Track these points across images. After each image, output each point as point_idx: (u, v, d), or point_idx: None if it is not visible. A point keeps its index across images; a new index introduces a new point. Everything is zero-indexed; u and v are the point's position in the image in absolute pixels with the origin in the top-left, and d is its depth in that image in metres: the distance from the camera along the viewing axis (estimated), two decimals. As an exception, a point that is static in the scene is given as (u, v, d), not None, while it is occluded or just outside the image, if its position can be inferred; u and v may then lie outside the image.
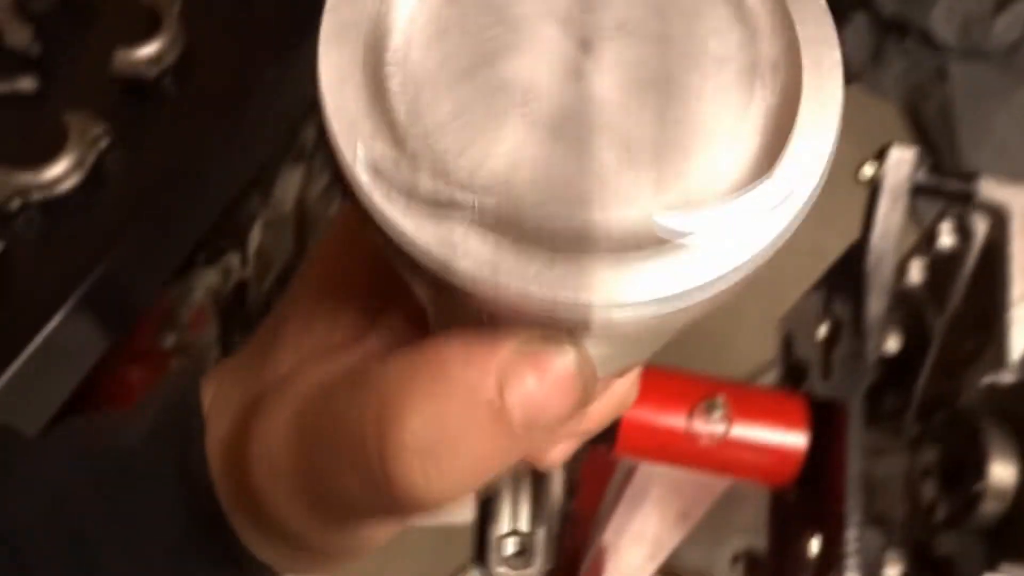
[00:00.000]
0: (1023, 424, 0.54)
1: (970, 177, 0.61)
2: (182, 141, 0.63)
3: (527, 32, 0.22)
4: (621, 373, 0.27)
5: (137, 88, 0.63)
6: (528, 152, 0.21)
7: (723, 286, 0.20)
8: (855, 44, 1.74)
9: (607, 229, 0.20)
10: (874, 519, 0.62)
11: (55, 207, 0.58)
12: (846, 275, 0.64)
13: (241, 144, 0.68)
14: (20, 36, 0.62)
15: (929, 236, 0.68)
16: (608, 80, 0.22)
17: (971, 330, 0.63)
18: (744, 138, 0.21)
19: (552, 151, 0.21)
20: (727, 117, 0.22)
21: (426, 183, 0.20)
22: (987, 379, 0.59)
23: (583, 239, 0.20)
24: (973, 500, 0.55)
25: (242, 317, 1.09)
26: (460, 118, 0.21)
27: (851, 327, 0.61)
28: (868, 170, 0.63)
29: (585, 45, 0.22)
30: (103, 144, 0.59)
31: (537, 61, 0.22)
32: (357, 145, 0.20)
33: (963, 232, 0.64)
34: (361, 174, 0.20)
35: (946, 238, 0.66)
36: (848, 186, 0.69)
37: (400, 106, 0.21)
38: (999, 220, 0.62)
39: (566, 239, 0.20)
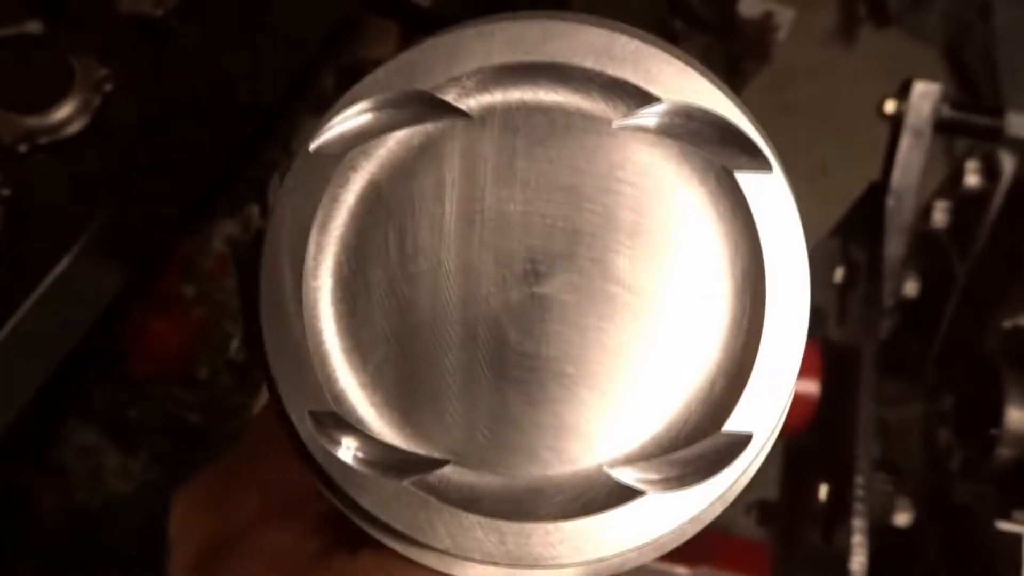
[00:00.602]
0: (1043, 369, 0.53)
1: (997, 111, 0.59)
2: (188, 80, 0.62)
3: (479, 256, 0.21)
4: None
5: (143, 28, 0.62)
6: (478, 401, 0.20)
7: (673, 538, 0.20)
8: (895, -16, 1.67)
9: (559, 487, 0.20)
10: (886, 466, 0.61)
11: (62, 149, 0.58)
12: (864, 217, 0.62)
13: (250, 82, 0.67)
14: (26, -22, 0.62)
15: (954, 177, 0.65)
16: (562, 309, 0.21)
17: (995, 273, 0.61)
18: (701, 379, 0.20)
19: (503, 399, 0.20)
20: (683, 360, 0.20)
21: (372, 444, 0.20)
22: (1009, 323, 0.58)
23: (534, 499, 0.20)
24: (988, 446, 0.54)
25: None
26: (406, 368, 0.21)
27: (868, 270, 0.59)
28: (890, 106, 0.60)
29: (538, 267, 0.21)
30: (109, 87, 0.59)
31: (491, 291, 0.21)
32: (303, 408, 0.20)
33: (990, 171, 0.62)
34: (307, 434, 0.20)
35: (972, 178, 0.63)
36: (886, 133, 0.67)
37: (345, 366, 0.21)
38: (1029, 158, 0.60)
39: (516, 500, 0.20)
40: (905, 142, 0.60)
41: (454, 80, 0.21)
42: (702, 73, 0.20)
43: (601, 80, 0.21)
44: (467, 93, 0.21)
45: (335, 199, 0.21)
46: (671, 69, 0.20)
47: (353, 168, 0.21)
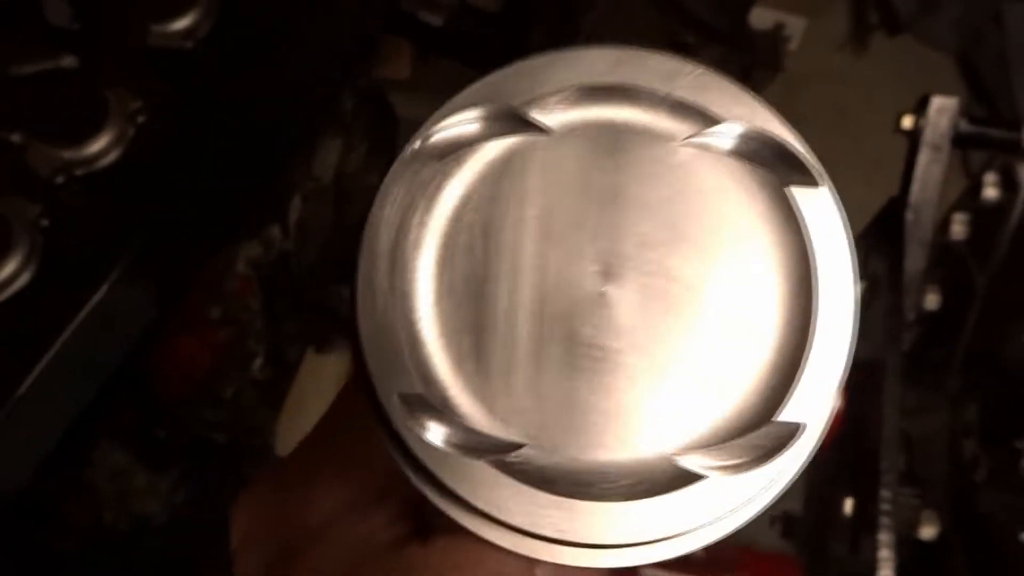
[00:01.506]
0: (1067, 380, 0.53)
1: (1015, 125, 0.59)
2: (218, 109, 0.64)
3: (556, 258, 0.23)
4: None
5: (173, 60, 0.64)
6: (550, 389, 0.22)
7: (735, 524, 0.22)
8: (906, -9, 1.68)
9: (623, 471, 0.21)
10: (911, 478, 0.61)
11: (98, 180, 0.60)
12: (884, 231, 0.63)
13: (276, 109, 0.69)
14: (61, 13, 0.64)
15: (973, 189, 0.66)
16: (629, 308, 0.22)
17: (1015, 284, 0.62)
18: (752, 377, 0.22)
19: (573, 388, 0.22)
20: (739, 356, 0.22)
21: (455, 426, 0.21)
22: (1031, 334, 0.58)
23: (600, 482, 0.21)
24: (1014, 457, 0.54)
25: (285, 287, 1.11)
26: (486, 358, 0.22)
27: (888, 284, 0.60)
28: (907, 121, 0.61)
29: (609, 269, 0.23)
30: (142, 118, 0.61)
31: (567, 289, 0.22)
32: (393, 390, 0.21)
33: (1008, 183, 0.63)
34: (396, 415, 0.21)
35: (991, 190, 0.64)
36: (898, 140, 0.67)
37: (432, 353, 0.22)
38: (1046, 170, 0.60)
39: (585, 482, 0.21)
40: (923, 157, 0.61)
41: (537, 99, 0.23)
42: (757, 99, 0.23)
43: (668, 102, 0.23)
44: (549, 111, 0.23)
45: (431, 200, 0.23)
46: (730, 94, 0.23)
47: (447, 173, 0.23)
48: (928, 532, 0.56)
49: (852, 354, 0.22)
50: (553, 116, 0.23)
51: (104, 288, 0.58)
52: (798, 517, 0.71)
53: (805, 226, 0.22)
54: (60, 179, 0.60)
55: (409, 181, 0.23)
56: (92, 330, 0.58)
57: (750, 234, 0.23)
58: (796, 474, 0.22)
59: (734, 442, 0.21)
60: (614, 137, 0.23)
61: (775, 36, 1.65)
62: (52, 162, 0.59)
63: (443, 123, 0.23)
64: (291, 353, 1.23)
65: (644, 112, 0.23)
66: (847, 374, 0.22)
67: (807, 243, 0.22)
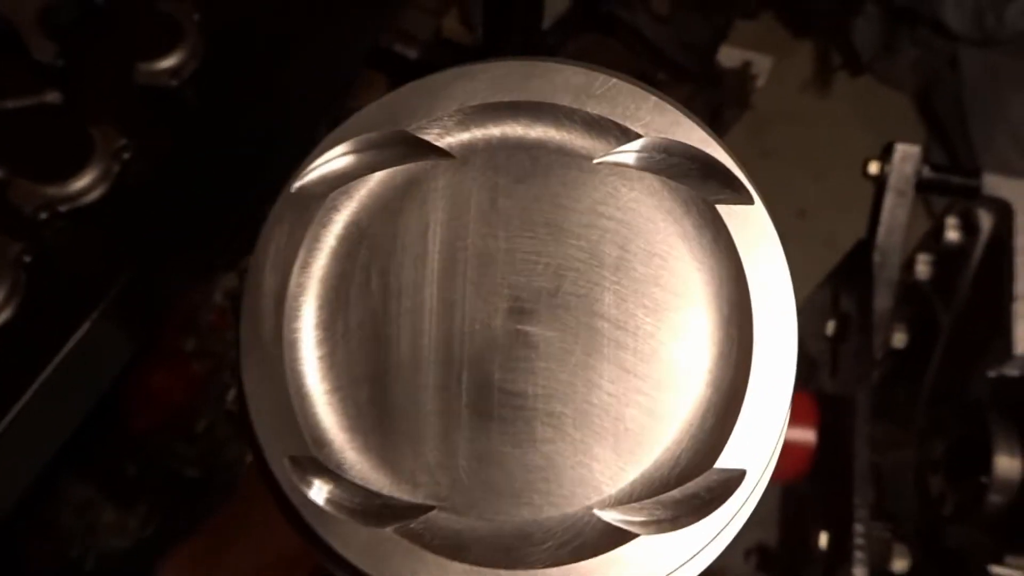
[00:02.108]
0: (1028, 417, 0.55)
1: (974, 173, 0.62)
2: (204, 150, 0.64)
3: (465, 295, 0.20)
4: None
5: (159, 98, 0.64)
6: (462, 443, 0.20)
7: None
8: (867, 34, 1.74)
9: (548, 531, 0.19)
10: (883, 513, 0.63)
11: (82, 217, 0.60)
12: (853, 271, 0.65)
13: (261, 147, 0.69)
14: (45, 50, 0.64)
15: (936, 231, 0.69)
16: (550, 347, 0.20)
17: (978, 324, 0.64)
18: (691, 415, 0.20)
19: (488, 441, 0.20)
20: (672, 396, 0.20)
21: (353, 491, 0.19)
22: (993, 372, 0.60)
23: (522, 546, 0.19)
24: (979, 493, 0.56)
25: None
26: (387, 411, 0.20)
27: (859, 323, 0.62)
28: (874, 167, 0.64)
29: (525, 305, 0.20)
30: (127, 155, 0.61)
31: (478, 330, 0.20)
32: (282, 454, 0.19)
33: (969, 227, 0.65)
34: (286, 481, 0.19)
35: (952, 233, 0.66)
36: (861, 179, 0.70)
37: (326, 410, 0.20)
38: (1004, 214, 0.63)
39: (504, 547, 0.19)
40: (889, 201, 0.63)
41: (436, 120, 0.21)
42: (680, 110, 0.21)
43: (580, 117, 0.21)
44: (449, 133, 0.21)
45: (317, 239, 0.21)
46: (649, 106, 0.21)
47: (335, 208, 0.21)
48: (900, 565, 0.57)
49: (792, 389, 0.20)
50: (455, 138, 0.21)
51: (86, 325, 0.58)
52: (773, 550, 0.72)
53: (737, 248, 0.20)
54: (43, 216, 0.59)
55: (295, 220, 0.21)
56: (73, 367, 0.57)
57: (678, 258, 0.21)
58: (740, 525, 0.20)
59: (668, 494, 0.20)
60: (523, 158, 0.21)
61: (743, 74, 1.70)
62: (35, 199, 0.59)
63: (331, 152, 0.21)
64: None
65: (556, 130, 0.21)
66: (790, 412, 0.20)
67: (740, 265, 0.20)
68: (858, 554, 0.55)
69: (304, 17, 0.73)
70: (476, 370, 0.20)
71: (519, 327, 0.20)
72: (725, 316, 0.20)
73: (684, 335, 0.20)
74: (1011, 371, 0.60)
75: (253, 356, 0.20)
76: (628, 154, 0.21)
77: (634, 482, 0.20)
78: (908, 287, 0.71)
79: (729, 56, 1.72)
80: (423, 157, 0.21)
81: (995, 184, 0.63)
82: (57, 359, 0.56)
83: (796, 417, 0.65)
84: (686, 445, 0.20)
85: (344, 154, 0.21)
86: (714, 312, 0.20)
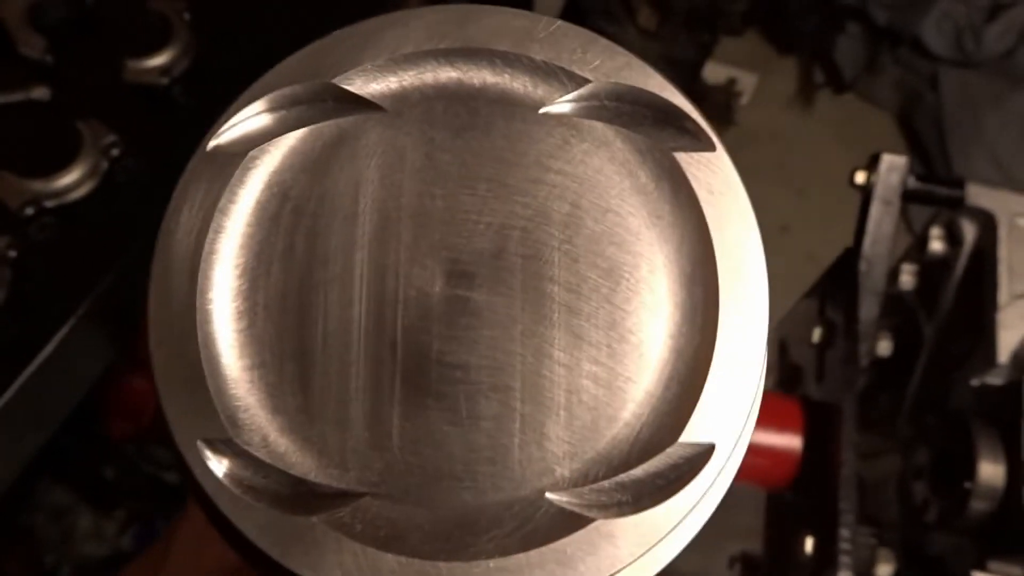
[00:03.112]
0: (1011, 425, 0.56)
1: (959, 183, 0.63)
2: (193, 149, 0.64)
3: (399, 259, 0.18)
4: None
5: (149, 97, 0.64)
6: (396, 422, 0.18)
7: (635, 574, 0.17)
8: (850, 53, 1.77)
9: (495, 518, 0.17)
10: (867, 519, 0.63)
11: (68, 214, 0.59)
12: (839, 280, 0.66)
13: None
14: (34, 46, 0.63)
15: (920, 242, 0.70)
16: (492, 314, 0.18)
17: (961, 333, 0.65)
18: (652, 385, 0.18)
19: (425, 419, 0.17)
20: (631, 364, 0.18)
21: (275, 476, 0.17)
22: (976, 381, 0.61)
23: (465, 535, 0.17)
24: (963, 499, 0.56)
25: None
26: (312, 388, 0.18)
27: (844, 331, 0.63)
28: (860, 177, 0.65)
29: (464, 270, 0.18)
30: (115, 152, 0.61)
31: (413, 297, 0.18)
32: (195, 436, 0.17)
33: (953, 237, 0.66)
34: (198, 465, 0.17)
35: (936, 244, 0.67)
36: (842, 195, 0.71)
37: (245, 387, 0.18)
38: (987, 225, 0.64)
39: (445, 536, 0.17)
40: (875, 211, 0.64)
41: (364, 71, 0.19)
42: (629, 54, 0.19)
43: (523, 63, 0.19)
44: (379, 84, 0.19)
45: (235, 201, 0.19)
46: (598, 49, 0.19)
47: (255, 168, 0.19)
48: (884, 570, 0.57)
49: (766, 355, 0.18)
50: (385, 90, 0.19)
51: (71, 322, 0.57)
52: (757, 557, 0.73)
53: (699, 199, 0.18)
54: (30, 211, 0.59)
55: (210, 180, 0.19)
56: (56, 366, 0.57)
57: (635, 214, 0.18)
58: (711, 507, 0.18)
59: (630, 473, 0.17)
60: (462, 110, 0.19)
61: (728, 91, 1.72)
62: (22, 194, 0.59)
63: (250, 108, 0.19)
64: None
65: (497, 77, 0.19)
66: (763, 381, 0.18)
67: (703, 217, 0.18)
68: (843, 559, 0.55)
69: (295, 17, 0.73)
70: (412, 341, 0.18)
71: (459, 292, 0.18)
72: (688, 275, 0.18)
73: (642, 297, 0.18)
74: (994, 380, 0.60)
75: (162, 330, 0.18)
76: (576, 102, 0.19)
77: (590, 461, 0.17)
78: (892, 297, 0.71)
79: (714, 72, 1.74)
80: (351, 111, 0.19)
81: (979, 195, 0.64)
82: (41, 357, 0.56)
83: (782, 423, 0.65)
84: (647, 419, 0.18)
85: (265, 110, 0.19)
86: (675, 271, 0.18)
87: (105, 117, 0.62)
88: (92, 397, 0.85)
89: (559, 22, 0.19)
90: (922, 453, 0.62)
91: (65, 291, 0.58)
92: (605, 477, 0.17)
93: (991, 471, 0.56)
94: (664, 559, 0.18)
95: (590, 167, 0.19)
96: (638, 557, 0.17)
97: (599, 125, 0.19)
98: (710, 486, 0.17)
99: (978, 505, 0.56)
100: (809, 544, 0.58)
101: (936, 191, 0.64)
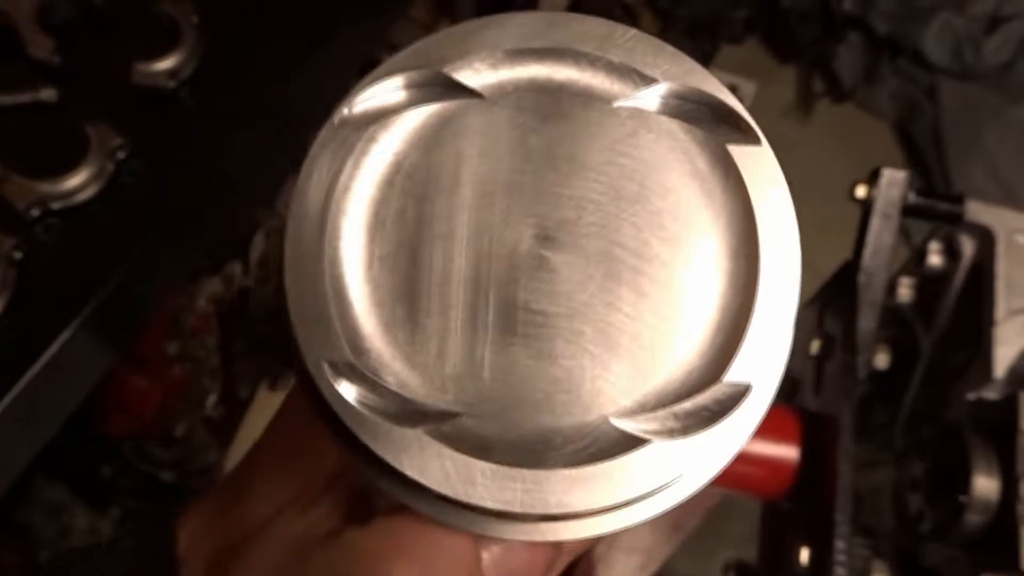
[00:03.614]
0: (1006, 439, 0.56)
1: (959, 199, 0.64)
2: (200, 152, 0.64)
3: (493, 223, 0.22)
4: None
5: (156, 99, 0.64)
6: (488, 356, 0.21)
7: (686, 492, 0.21)
8: (849, 62, 1.78)
9: (567, 437, 0.20)
10: (862, 530, 0.64)
11: (74, 215, 0.59)
12: (839, 292, 0.66)
13: (258, 154, 0.70)
14: (42, 47, 0.64)
15: (919, 256, 0.70)
16: (571, 270, 0.21)
17: (958, 347, 0.65)
18: (699, 336, 0.21)
19: (512, 354, 0.21)
20: (684, 312, 0.21)
21: (387, 395, 0.20)
22: (972, 395, 0.62)
23: (543, 450, 0.20)
24: (958, 512, 0.57)
25: (242, 325, 1.11)
26: (419, 325, 0.21)
27: (843, 343, 0.63)
28: (861, 191, 0.65)
29: (550, 232, 0.22)
30: (122, 155, 0.61)
31: (505, 254, 0.22)
32: (322, 358, 0.20)
33: (951, 252, 0.67)
34: (324, 383, 0.20)
35: (935, 258, 0.68)
36: (840, 203, 0.72)
37: (364, 320, 0.21)
38: (986, 241, 0.65)
39: (526, 450, 0.20)
40: (875, 224, 0.64)
41: (468, 63, 0.22)
42: (692, 60, 0.23)
43: (603, 64, 0.23)
44: (480, 75, 0.23)
45: (357, 167, 0.22)
46: (666, 55, 0.23)
47: (375, 140, 0.22)
48: (879, 582, 0.58)
49: (797, 312, 0.21)
50: (485, 80, 0.23)
51: (75, 323, 0.57)
52: (752, 565, 0.73)
53: (746, 184, 0.22)
54: (36, 212, 0.59)
55: (337, 148, 0.22)
56: (61, 365, 0.57)
57: (692, 194, 0.22)
58: (747, 438, 0.21)
59: (679, 405, 0.21)
60: (549, 100, 0.23)
61: (727, 98, 1.72)
62: (29, 195, 0.59)
63: (371, 89, 0.22)
64: (244, 391, 1.21)
65: (579, 74, 0.23)
66: (793, 333, 0.21)
67: (749, 200, 0.22)
68: (839, 570, 0.55)
69: (303, 26, 0.73)
70: (502, 290, 0.21)
71: (543, 252, 0.22)
72: (734, 246, 0.22)
73: (696, 263, 0.22)
74: (990, 394, 0.61)
75: (295, 269, 0.21)
76: (646, 99, 0.23)
77: (647, 394, 0.21)
78: (890, 310, 0.72)
79: (715, 79, 1.74)
80: (456, 96, 0.22)
81: (978, 211, 0.64)
82: (45, 356, 0.56)
83: (780, 434, 0.66)
84: (696, 361, 0.21)
85: (383, 91, 0.22)
86: (724, 242, 0.22)
87: (112, 119, 0.62)
88: (90, 395, 0.85)
89: (634, 31, 0.23)
90: (917, 465, 0.63)
91: (70, 292, 0.58)
92: (659, 407, 0.21)
93: (986, 485, 0.56)
94: (703, 479, 0.21)
95: (655, 153, 0.22)
96: (683, 475, 0.20)
97: (664, 118, 0.23)
98: (747, 419, 0.21)
99: (972, 518, 0.56)
100: (804, 554, 0.59)
101: (936, 206, 0.65)
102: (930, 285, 0.69)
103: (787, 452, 0.65)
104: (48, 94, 0.64)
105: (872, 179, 0.65)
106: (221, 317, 1.08)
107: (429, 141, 0.22)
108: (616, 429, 0.21)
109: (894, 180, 0.64)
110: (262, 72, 0.69)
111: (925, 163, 1.69)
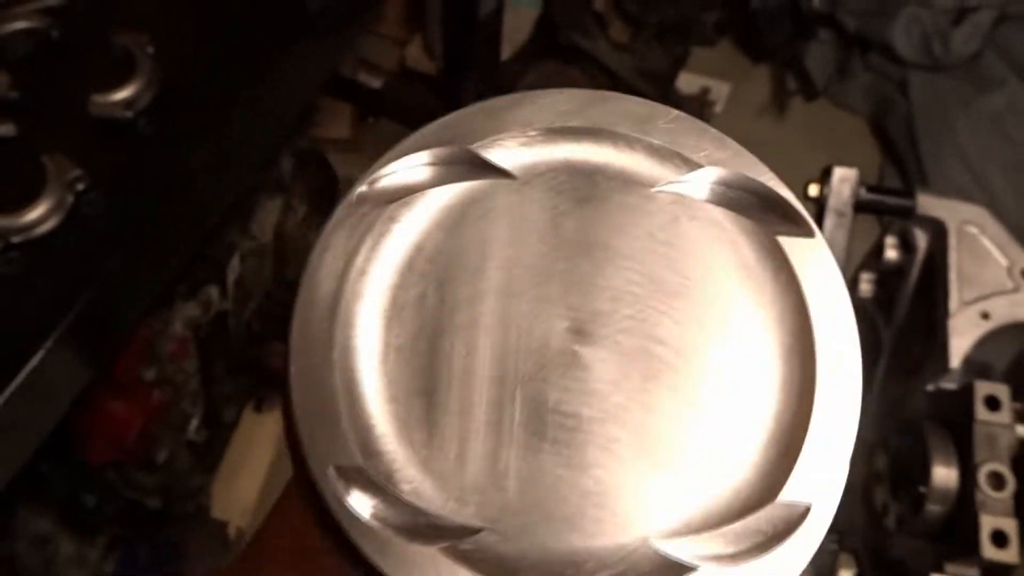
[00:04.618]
0: (963, 428, 0.57)
1: (909, 193, 0.65)
2: (159, 180, 0.65)
3: (521, 313, 0.20)
4: None
5: (114, 130, 0.65)
6: (513, 463, 0.19)
7: None
8: (821, 60, 1.79)
9: (601, 560, 0.18)
10: (831, 526, 0.64)
11: (36, 248, 0.60)
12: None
13: (217, 180, 0.70)
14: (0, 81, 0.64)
15: (877, 251, 0.71)
16: (605, 369, 0.19)
17: (917, 339, 0.66)
18: (748, 448, 0.19)
19: (540, 462, 0.19)
20: (733, 425, 0.19)
21: (399, 506, 0.18)
22: (931, 386, 0.62)
23: (574, 574, 0.18)
24: (919, 503, 0.58)
25: (222, 347, 1.11)
26: (437, 425, 0.19)
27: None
28: (813, 189, 0.66)
29: (582, 326, 0.20)
30: (81, 186, 0.62)
31: (533, 349, 0.19)
32: (328, 462, 0.18)
33: (906, 246, 0.68)
34: (329, 491, 0.18)
35: (891, 252, 0.69)
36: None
37: (376, 420, 0.19)
38: (939, 233, 0.66)
39: (554, 573, 0.18)
40: (829, 222, 0.65)
41: (498, 141, 0.21)
42: (738, 145, 0.21)
43: (643, 146, 0.21)
44: (511, 154, 0.21)
45: (375, 248, 0.20)
46: (710, 138, 0.21)
47: (395, 219, 0.21)
48: (845, 576, 0.59)
49: (858, 422, 0.19)
50: (517, 159, 0.21)
51: (39, 355, 0.58)
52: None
53: (799, 279, 0.20)
54: (-4, 247, 0.60)
55: (354, 227, 0.20)
56: (26, 398, 0.57)
57: (739, 288, 0.20)
58: (805, 563, 0.19)
59: (730, 527, 0.18)
60: (585, 183, 0.21)
61: (702, 100, 1.74)
62: (-12, 230, 0.59)
63: (394, 164, 0.21)
64: (228, 414, 1.21)
65: (618, 156, 0.21)
66: (854, 444, 0.19)
67: (803, 296, 0.20)
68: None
69: (259, 49, 0.74)
70: (530, 389, 0.19)
71: (576, 347, 0.20)
72: (787, 347, 0.20)
73: (745, 364, 0.20)
74: (947, 384, 0.62)
75: (302, 360, 0.19)
76: (689, 184, 0.21)
77: (693, 513, 0.19)
78: (852, 306, 0.73)
79: (688, 82, 1.76)
80: (484, 175, 0.21)
81: (929, 204, 0.65)
82: (10, 389, 0.56)
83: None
84: (748, 477, 0.19)
85: (407, 167, 0.21)
86: (776, 342, 0.20)
87: (70, 151, 0.63)
88: (69, 423, 0.85)
89: (677, 112, 0.21)
90: (881, 459, 0.64)
91: (32, 324, 0.59)
92: (706, 528, 0.18)
93: (944, 474, 0.57)
94: None
95: (698, 243, 0.21)
96: None
97: (708, 206, 0.21)
98: (806, 544, 0.19)
99: (933, 508, 0.57)
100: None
101: (887, 201, 0.65)
102: (888, 279, 0.70)
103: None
104: (6, 129, 0.64)
105: (823, 177, 0.66)
106: (200, 341, 1.08)
107: (454, 222, 0.21)
108: (657, 553, 0.18)
109: (845, 177, 0.65)
110: (219, 98, 0.70)
111: (900, 157, 1.70)
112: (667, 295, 0.20)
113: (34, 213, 0.60)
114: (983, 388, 0.57)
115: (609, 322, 0.20)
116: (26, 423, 0.60)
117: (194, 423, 1.11)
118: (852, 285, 0.72)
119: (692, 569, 0.18)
